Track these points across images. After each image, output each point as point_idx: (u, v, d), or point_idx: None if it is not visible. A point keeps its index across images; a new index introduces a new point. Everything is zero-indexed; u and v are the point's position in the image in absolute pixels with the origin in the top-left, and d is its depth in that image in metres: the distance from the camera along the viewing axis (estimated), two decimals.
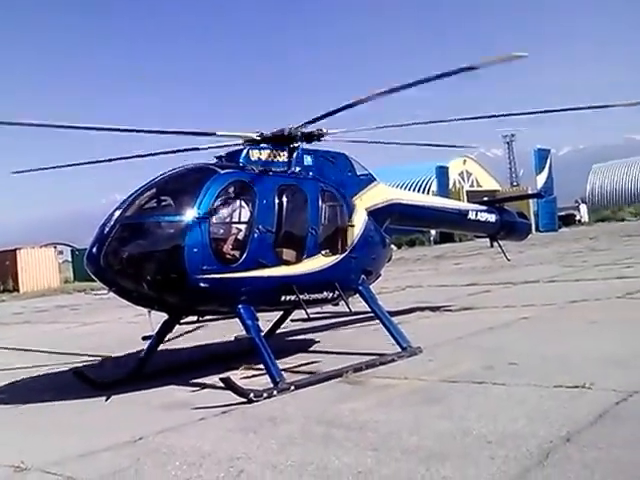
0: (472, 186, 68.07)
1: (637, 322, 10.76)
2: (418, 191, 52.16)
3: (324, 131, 10.33)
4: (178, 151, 10.33)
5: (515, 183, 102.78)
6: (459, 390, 7.61)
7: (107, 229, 8.31)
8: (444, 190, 14.36)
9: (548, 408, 6.51)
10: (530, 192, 16.77)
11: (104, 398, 8.59)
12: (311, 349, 11.32)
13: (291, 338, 12.51)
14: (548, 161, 15.33)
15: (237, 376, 9.18)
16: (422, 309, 15.29)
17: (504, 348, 9.78)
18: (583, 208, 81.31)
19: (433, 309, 15.17)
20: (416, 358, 9.70)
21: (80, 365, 11.41)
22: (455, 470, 5.08)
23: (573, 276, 19.57)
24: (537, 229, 15.06)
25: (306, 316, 9.73)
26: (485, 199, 15.98)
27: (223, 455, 5.92)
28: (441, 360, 9.37)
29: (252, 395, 7.78)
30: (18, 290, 39.64)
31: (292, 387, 8.20)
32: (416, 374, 8.61)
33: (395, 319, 13.65)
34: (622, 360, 8.19)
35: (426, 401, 7.28)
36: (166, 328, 9.63)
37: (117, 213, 8.47)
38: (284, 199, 9.41)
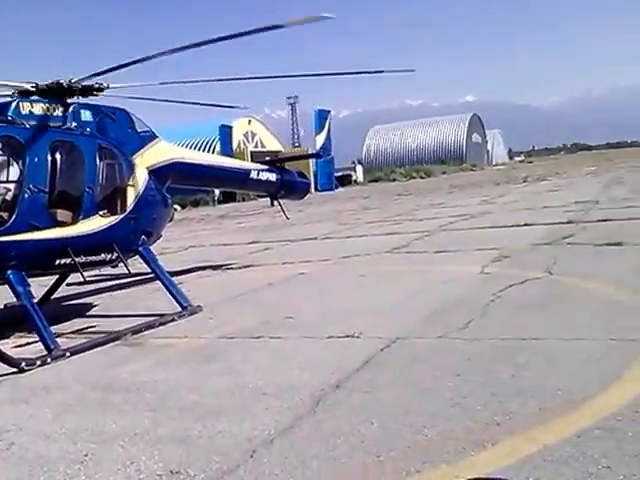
0: (256, 146, 68.86)
1: (400, 274, 11.62)
2: (203, 151, 51.71)
3: (105, 85, 9.87)
4: None
5: (297, 144, 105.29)
6: (237, 346, 7.80)
7: None
8: (228, 150, 14.36)
9: (320, 358, 6.87)
10: (309, 152, 17.29)
11: None
12: (89, 313, 10.97)
13: (68, 303, 11.98)
14: (327, 122, 15.86)
15: (9, 345, 8.71)
16: (204, 268, 15.36)
17: (282, 303, 10.14)
18: (359, 169, 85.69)
19: (215, 268, 15.29)
20: (197, 317, 9.76)
21: None
22: (232, 424, 5.22)
23: (347, 233, 20.63)
24: (316, 189, 15.62)
25: (82, 279, 9.36)
26: (267, 159, 16.28)
27: None
28: (221, 317, 9.51)
29: (24, 364, 7.38)
30: None
31: (67, 353, 7.89)
32: (196, 333, 8.68)
33: (177, 279, 13.63)
34: (386, 309, 8.83)
35: (205, 358, 7.37)
36: None
37: None
38: (58, 157, 8.92)
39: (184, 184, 13.01)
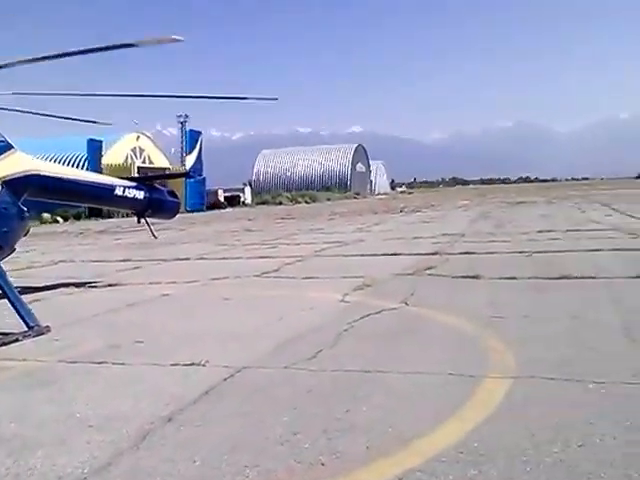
0: (144, 162, 67.59)
1: (263, 299, 11.48)
2: (73, 166, 50.40)
3: None
4: None
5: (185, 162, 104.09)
6: (76, 371, 7.35)
7: None
8: (95, 165, 13.80)
9: (160, 387, 6.56)
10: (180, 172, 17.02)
11: None
12: None
13: None
14: (198, 143, 15.57)
15: None
16: (67, 285, 14.66)
17: (137, 325, 9.74)
18: (247, 190, 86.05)
19: (79, 285, 14.63)
20: (43, 338, 9.17)
21: None
22: (46, 459, 4.84)
23: (222, 254, 20.40)
24: (185, 208, 15.30)
25: None
26: (136, 175, 15.84)
27: None
28: (68, 339, 9.00)
29: None
30: None
31: None
32: (36, 354, 8.15)
33: (36, 295, 13.05)
34: (241, 336, 8.61)
35: (39, 384, 6.90)
36: None
37: None
38: None
39: (44, 198, 12.34)
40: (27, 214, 11.02)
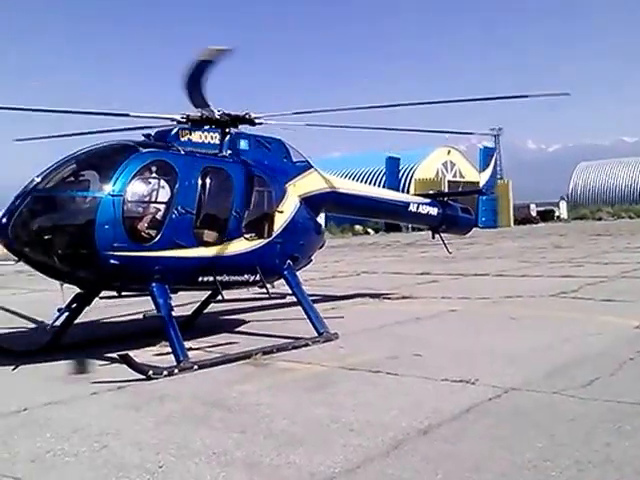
0: (455, 176, 68.33)
1: (553, 320, 11.03)
2: (371, 180, 53.32)
3: (252, 115, 10.41)
4: (108, 131, 10.38)
5: (499, 176, 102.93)
6: (352, 378, 7.80)
7: (19, 200, 8.37)
8: (393, 182, 14.50)
9: (424, 400, 6.69)
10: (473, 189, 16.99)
11: (11, 367, 8.67)
12: (237, 329, 11.43)
13: (223, 318, 12.60)
14: (492, 160, 15.46)
15: (152, 352, 9.36)
16: (363, 295, 15.48)
17: (419, 339, 9.98)
18: (563, 205, 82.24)
19: (373, 296, 15.35)
20: (330, 344, 9.85)
21: (10, 332, 11.48)
22: (304, 456, 5.24)
23: (523, 271, 19.88)
24: (476, 224, 15.39)
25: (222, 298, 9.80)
26: (430, 192, 16.22)
27: (95, 430, 6.04)
28: (352, 347, 9.53)
29: (151, 372, 7.90)
30: None
31: (195, 367, 8.32)
32: (320, 359, 8.78)
33: (333, 304, 13.98)
34: (518, 357, 8.42)
35: (316, 387, 7.44)
36: (81, 301, 9.67)
37: (31, 185, 8.53)
38: (207, 181, 9.47)
39: (338, 213, 13.23)
40: (323, 228, 11.90)
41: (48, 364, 8.88)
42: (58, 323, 9.57)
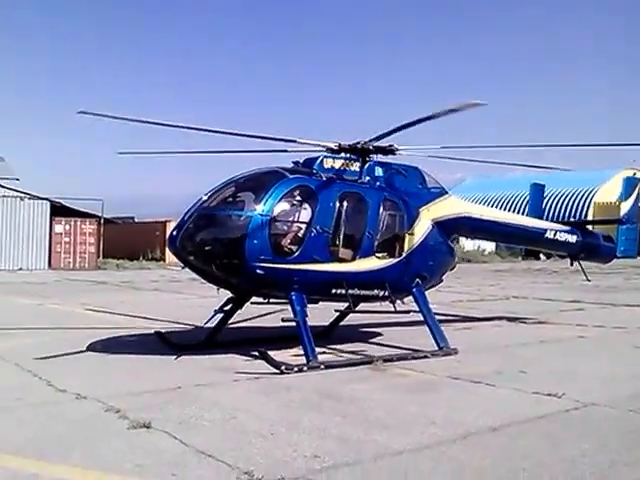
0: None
1: None
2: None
3: (395, 146, 11.63)
4: (267, 151, 11.98)
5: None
6: (453, 386, 8.84)
7: (187, 216, 10.23)
8: (535, 208, 14.95)
9: (508, 407, 7.64)
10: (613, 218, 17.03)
11: (174, 357, 10.48)
12: (369, 340, 12.66)
13: (360, 330, 13.86)
14: (636, 190, 15.63)
15: (290, 352, 10.82)
16: (501, 318, 16.16)
17: (532, 359, 10.76)
18: None
19: (511, 319, 16.00)
20: (448, 358, 10.82)
21: (170, 330, 13.41)
22: (385, 437, 6.45)
23: None
24: (615, 254, 15.51)
25: (352, 308, 11.08)
26: (571, 220, 16.63)
27: (229, 406, 7.56)
28: (467, 362, 10.48)
29: (283, 367, 9.39)
30: (164, 260, 41.41)
31: (322, 366, 9.71)
32: (433, 370, 9.84)
33: (469, 324, 14.88)
34: (616, 380, 9.04)
35: (419, 390, 8.59)
36: (233, 305, 11.30)
37: (198, 204, 10.37)
38: (344, 205, 10.80)
39: (473, 237, 14.11)
40: (455, 251, 12.90)
41: (203, 356, 10.62)
42: (213, 323, 11.32)
